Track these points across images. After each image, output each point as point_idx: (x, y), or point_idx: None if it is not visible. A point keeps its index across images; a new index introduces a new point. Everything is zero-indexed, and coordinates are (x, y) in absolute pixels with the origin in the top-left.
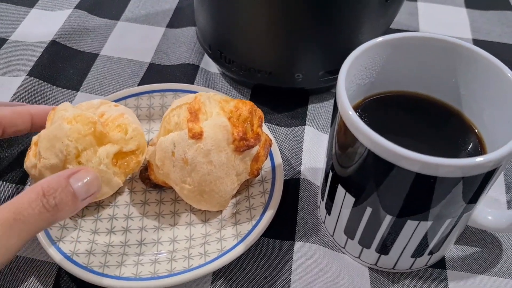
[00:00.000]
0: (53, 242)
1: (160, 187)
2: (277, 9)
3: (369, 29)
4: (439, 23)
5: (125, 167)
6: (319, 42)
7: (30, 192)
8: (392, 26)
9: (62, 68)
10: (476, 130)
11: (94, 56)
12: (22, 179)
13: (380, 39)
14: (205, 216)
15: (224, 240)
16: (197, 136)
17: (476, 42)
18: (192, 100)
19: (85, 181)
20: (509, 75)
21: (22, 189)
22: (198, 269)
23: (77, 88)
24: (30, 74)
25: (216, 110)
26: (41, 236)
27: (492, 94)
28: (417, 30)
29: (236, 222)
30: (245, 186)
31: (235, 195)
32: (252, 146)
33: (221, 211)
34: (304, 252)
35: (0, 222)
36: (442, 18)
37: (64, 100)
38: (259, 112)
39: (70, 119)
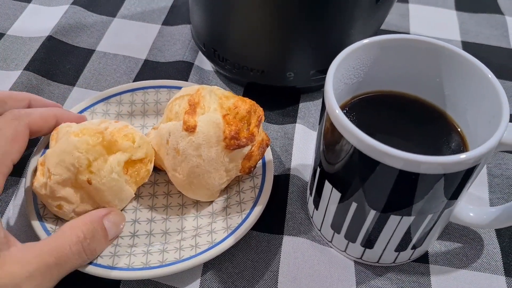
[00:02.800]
0: (46, 229)
1: (156, 169)
2: (270, 9)
3: (360, 29)
4: (429, 25)
5: (135, 175)
6: (311, 42)
7: (70, 234)
8: (383, 27)
9: (58, 63)
10: (459, 129)
11: (90, 52)
12: (17, 172)
13: (367, 40)
14: (197, 209)
15: (214, 233)
16: (190, 129)
17: (465, 44)
18: (194, 92)
19: (116, 222)
20: (489, 76)
21: (18, 182)
22: (189, 260)
23: (73, 83)
24: (27, 68)
25: (214, 105)
26: (36, 226)
27: (474, 94)
28: (407, 32)
29: (227, 216)
30: (236, 181)
31: (226, 190)
32: (243, 146)
33: (212, 205)
34: (292, 246)
35: (42, 268)
36: (432, 20)
37: (60, 94)
38: (259, 112)
39: (76, 132)
